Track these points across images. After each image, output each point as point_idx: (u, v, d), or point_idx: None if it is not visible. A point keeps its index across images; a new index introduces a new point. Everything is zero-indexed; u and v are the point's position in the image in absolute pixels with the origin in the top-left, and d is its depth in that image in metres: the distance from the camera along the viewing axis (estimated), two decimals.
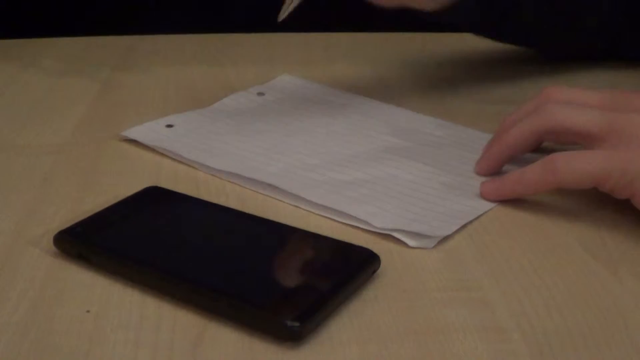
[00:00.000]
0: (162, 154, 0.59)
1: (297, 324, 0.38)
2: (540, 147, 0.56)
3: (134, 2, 1.04)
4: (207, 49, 0.90)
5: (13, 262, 0.45)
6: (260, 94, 0.72)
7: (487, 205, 0.52)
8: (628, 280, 0.44)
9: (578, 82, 0.76)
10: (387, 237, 0.48)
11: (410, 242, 0.47)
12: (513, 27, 0.71)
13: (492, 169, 0.55)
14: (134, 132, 0.61)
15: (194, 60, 0.85)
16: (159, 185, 0.53)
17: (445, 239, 0.48)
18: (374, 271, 0.44)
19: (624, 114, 0.49)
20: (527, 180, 0.50)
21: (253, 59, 0.85)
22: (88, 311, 0.41)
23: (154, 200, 0.51)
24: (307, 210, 0.51)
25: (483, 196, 0.53)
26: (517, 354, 0.38)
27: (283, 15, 0.55)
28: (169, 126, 0.63)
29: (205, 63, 0.84)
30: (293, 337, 0.38)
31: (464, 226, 0.49)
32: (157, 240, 0.46)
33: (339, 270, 0.43)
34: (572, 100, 0.52)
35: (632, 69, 0.80)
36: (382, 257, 0.44)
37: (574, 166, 0.48)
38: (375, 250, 0.44)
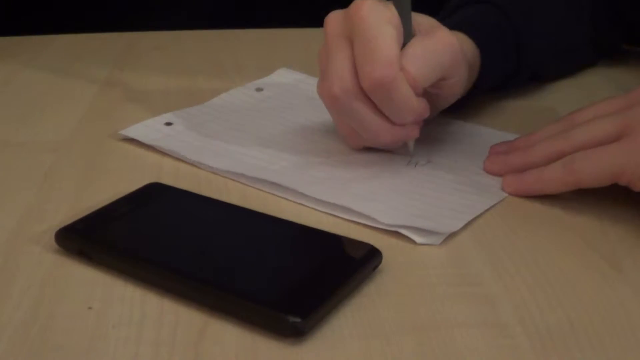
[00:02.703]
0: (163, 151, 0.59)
1: (299, 319, 0.38)
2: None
3: None
4: (207, 45, 0.89)
5: (15, 259, 0.45)
6: (259, 89, 0.71)
7: (492, 201, 0.52)
8: (630, 274, 0.44)
9: (585, 75, 0.77)
10: (388, 232, 0.48)
11: (418, 238, 0.47)
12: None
13: (504, 174, 0.55)
14: (132, 131, 0.61)
15: (194, 56, 0.85)
16: (160, 181, 0.53)
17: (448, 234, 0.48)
18: (376, 267, 0.44)
19: (635, 106, 0.49)
20: (547, 179, 0.51)
21: (253, 55, 0.85)
22: (90, 308, 0.41)
23: (155, 197, 0.51)
24: (309, 207, 0.51)
25: (504, 189, 0.53)
26: (519, 349, 0.38)
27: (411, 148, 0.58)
28: (168, 124, 0.63)
29: (205, 59, 0.84)
30: (295, 332, 0.38)
31: (467, 222, 0.49)
32: (158, 237, 0.46)
33: (340, 265, 0.43)
34: (593, 117, 0.52)
35: (631, 68, 0.80)
36: (383, 253, 0.44)
37: (590, 165, 0.49)
38: (377, 245, 0.44)
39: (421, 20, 0.56)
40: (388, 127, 0.54)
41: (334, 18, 0.54)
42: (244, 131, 0.62)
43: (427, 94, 0.55)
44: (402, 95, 0.52)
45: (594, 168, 0.49)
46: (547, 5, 0.73)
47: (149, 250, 0.44)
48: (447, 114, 0.64)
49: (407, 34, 0.54)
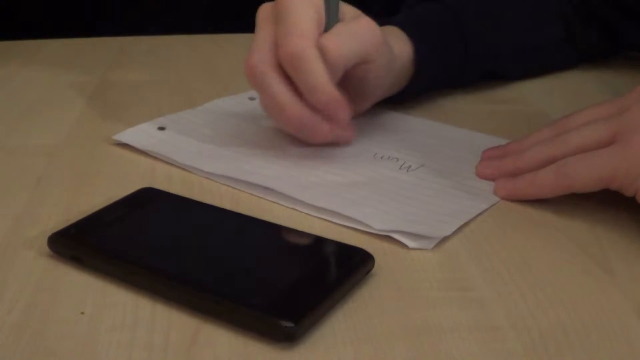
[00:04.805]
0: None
1: (291, 324, 0.38)
2: None
3: (127, 3, 1.04)
4: (201, 50, 0.89)
5: (7, 264, 0.45)
6: (252, 98, 0.71)
7: (484, 205, 0.52)
8: (623, 278, 0.44)
9: (576, 79, 0.77)
10: (381, 237, 0.48)
11: (410, 243, 0.47)
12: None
13: (496, 178, 0.55)
14: (126, 136, 0.61)
15: (188, 60, 0.85)
16: (153, 186, 0.53)
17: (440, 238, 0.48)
18: (369, 271, 0.44)
19: (627, 111, 0.50)
20: (539, 183, 0.51)
21: None
22: (82, 313, 0.41)
23: (148, 202, 0.50)
24: (302, 212, 0.51)
25: (496, 193, 0.53)
26: (511, 354, 0.38)
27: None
28: (161, 129, 0.63)
29: (199, 64, 0.84)
30: (287, 337, 0.38)
31: (459, 226, 0.49)
32: (151, 242, 0.46)
33: (333, 270, 0.43)
34: (585, 122, 0.53)
35: (624, 72, 0.80)
36: (376, 257, 0.44)
37: (582, 170, 0.49)
38: (370, 250, 0.44)
39: (346, 10, 0.58)
40: (296, 102, 0.55)
41: (265, 5, 0.58)
42: (236, 136, 0.62)
43: (351, 82, 0.57)
44: (313, 69, 0.54)
45: (586, 173, 0.49)
46: (506, 6, 0.74)
47: (141, 255, 0.44)
48: (424, 114, 0.65)
49: (333, 21, 0.56)
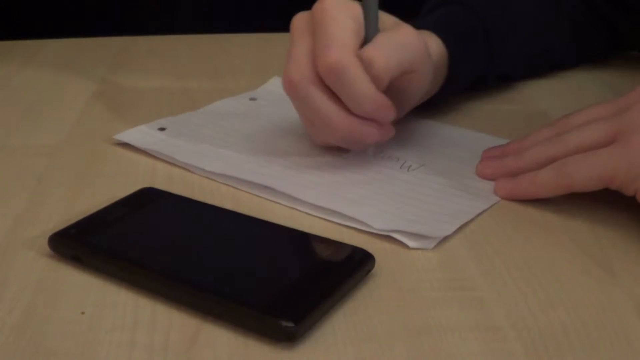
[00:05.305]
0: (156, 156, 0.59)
1: (291, 324, 0.38)
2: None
3: (127, 3, 1.04)
4: (202, 50, 0.89)
5: (7, 264, 0.45)
6: (252, 99, 0.71)
7: (485, 205, 0.52)
8: (623, 279, 0.44)
9: (576, 79, 0.77)
10: (381, 237, 0.48)
11: (410, 243, 0.47)
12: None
13: (496, 178, 0.55)
14: (126, 136, 0.61)
15: (189, 61, 0.85)
16: (153, 186, 0.53)
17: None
18: (369, 271, 0.44)
19: (627, 111, 0.50)
20: (540, 183, 0.51)
21: (247, 59, 0.85)
22: (83, 313, 0.41)
23: (149, 202, 0.50)
24: (302, 211, 0.51)
25: (496, 193, 0.53)
26: (512, 353, 0.38)
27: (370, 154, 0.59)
28: (162, 129, 0.63)
29: (200, 64, 0.84)
30: (288, 337, 0.38)
31: (459, 226, 0.49)
32: (151, 242, 0.46)
33: (333, 270, 0.43)
34: (585, 122, 0.53)
35: (624, 72, 0.80)
36: (376, 257, 0.44)
37: (582, 169, 0.49)
38: (370, 250, 0.44)
39: (385, 19, 0.57)
40: (343, 115, 0.54)
41: (299, 16, 0.56)
42: (237, 136, 0.62)
43: (393, 92, 0.55)
44: (355, 80, 0.52)
45: (586, 172, 0.49)
46: (522, 6, 0.74)
47: (142, 255, 0.44)
48: (423, 114, 0.64)
49: (374, 31, 0.55)
